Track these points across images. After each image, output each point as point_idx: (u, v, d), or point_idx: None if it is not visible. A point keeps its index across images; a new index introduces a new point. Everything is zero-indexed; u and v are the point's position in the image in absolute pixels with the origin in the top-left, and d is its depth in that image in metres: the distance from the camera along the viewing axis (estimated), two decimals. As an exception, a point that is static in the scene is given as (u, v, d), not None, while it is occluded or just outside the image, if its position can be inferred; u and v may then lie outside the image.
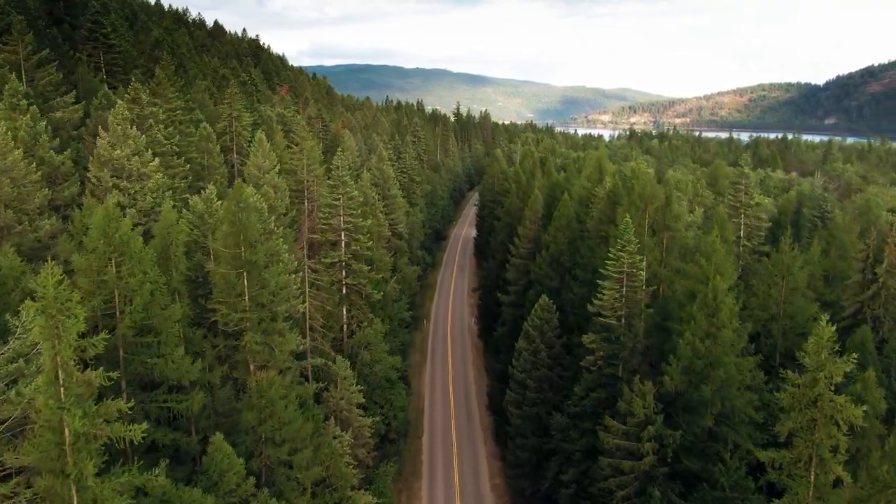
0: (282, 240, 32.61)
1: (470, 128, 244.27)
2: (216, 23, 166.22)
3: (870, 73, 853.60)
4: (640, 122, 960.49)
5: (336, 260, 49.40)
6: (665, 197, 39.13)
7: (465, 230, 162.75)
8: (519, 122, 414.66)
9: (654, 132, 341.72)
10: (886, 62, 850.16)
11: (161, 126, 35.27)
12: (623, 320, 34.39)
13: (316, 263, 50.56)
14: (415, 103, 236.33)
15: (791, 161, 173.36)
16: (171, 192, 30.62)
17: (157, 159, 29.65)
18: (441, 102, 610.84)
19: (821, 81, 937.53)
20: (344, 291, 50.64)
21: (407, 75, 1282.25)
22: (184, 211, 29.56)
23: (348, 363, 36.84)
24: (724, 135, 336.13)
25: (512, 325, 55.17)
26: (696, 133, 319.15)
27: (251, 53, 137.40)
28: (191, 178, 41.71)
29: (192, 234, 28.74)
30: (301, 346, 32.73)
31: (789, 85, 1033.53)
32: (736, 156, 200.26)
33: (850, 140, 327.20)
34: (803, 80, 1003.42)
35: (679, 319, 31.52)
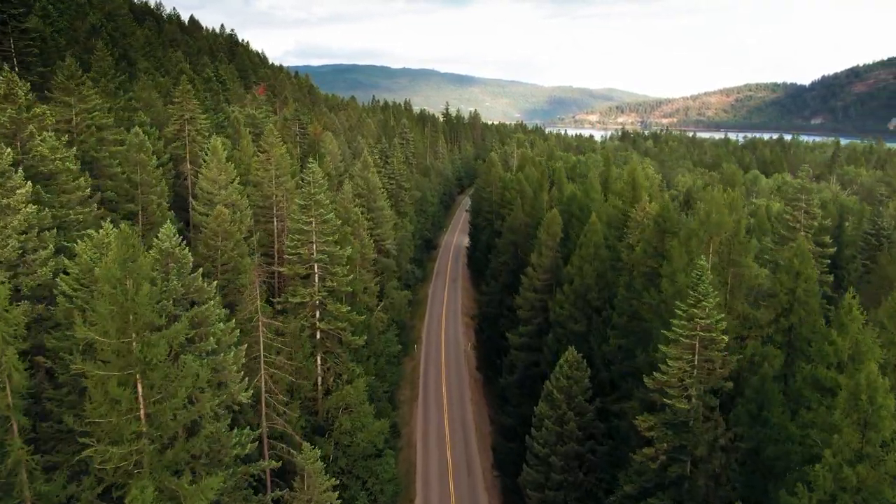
0: (213, 302, 22.68)
1: (460, 128, 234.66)
2: (192, 18, 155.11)
3: (855, 74, 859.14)
4: (628, 122, 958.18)
5: (307, 300, 39.48)
6: (736, 225, 29.75)
7: (456, 237, 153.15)
8: (508, 123, 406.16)
9: (645, 133, 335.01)
10: (871, 62, 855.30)
11: (54, 135, 25.47)
12: (696, 401, 24.89)
13: (282, 302, 40.64)
14: (402, 103, 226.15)
15: (793, 163, 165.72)
16: (54, 231, 20.84)
17: (28, 184, 19.93)
18: (428, 103, 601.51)
19: (806, 82, 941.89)
20: (318, 337, 40.77)
21: (394, 75, 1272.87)
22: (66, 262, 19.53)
23: (318, 454, 26.94)
24: (717, 135, 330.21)
25: (523, 372, 45.59)
26: (690, 133, 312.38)
27: (226, 50, 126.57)
28: (106, 204, 31.65)
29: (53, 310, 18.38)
30: (249, 447, 22.85)
31: (775, 85, 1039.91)
32: (739, 158, 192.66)
33: (844, 141, 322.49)
34: (789, 81, 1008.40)
35: (781, 406, 22.05)
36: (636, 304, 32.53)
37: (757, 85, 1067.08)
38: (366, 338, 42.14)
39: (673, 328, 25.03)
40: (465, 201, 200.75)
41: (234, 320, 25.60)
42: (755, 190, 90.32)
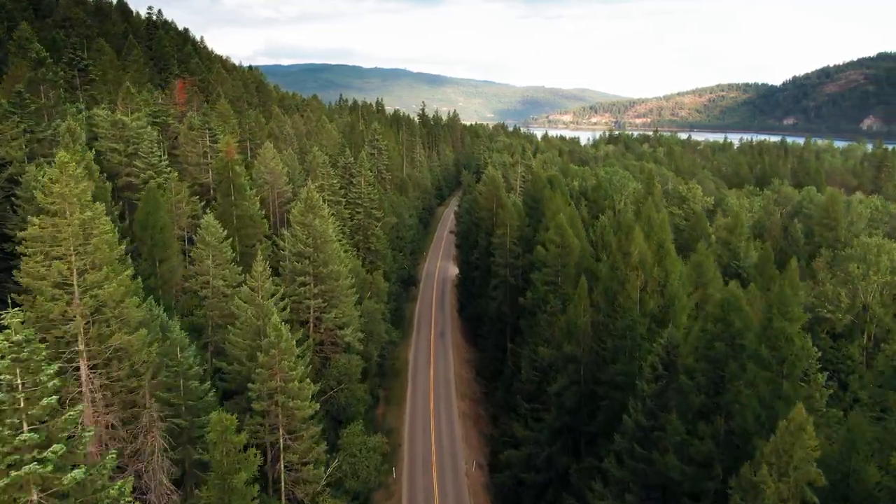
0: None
1: (438, 131, 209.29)
2: (120, 1, 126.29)
3: (826, 74, 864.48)
4: (601, 122, 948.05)
5: None
6: None
7: (439, 264, 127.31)
8: (482, 123, 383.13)
9: (634, 135, 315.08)
10: (841, 63, 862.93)
11: None
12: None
13: None
14: (373, 103, 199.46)
15: (829, 173, 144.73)
16: None
17: None
18: (401, 103, 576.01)
19: (778, 82, 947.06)
20: None
21: (366, 75, 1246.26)
22: None
23: None
24: (712, 136, 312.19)
25: None
26: (686, 135, 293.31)
27: (143, 34, 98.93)
28: None
29: None
30: None
31: (747, 86, 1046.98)
32: (752, 164, 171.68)
33: (839, 144, 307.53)
34: (760, 81, 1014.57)
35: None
36: None
37: (729, 85, 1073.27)
38: None
39: None
40: (447, 214, 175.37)
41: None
42: (848, 219, 68.56)
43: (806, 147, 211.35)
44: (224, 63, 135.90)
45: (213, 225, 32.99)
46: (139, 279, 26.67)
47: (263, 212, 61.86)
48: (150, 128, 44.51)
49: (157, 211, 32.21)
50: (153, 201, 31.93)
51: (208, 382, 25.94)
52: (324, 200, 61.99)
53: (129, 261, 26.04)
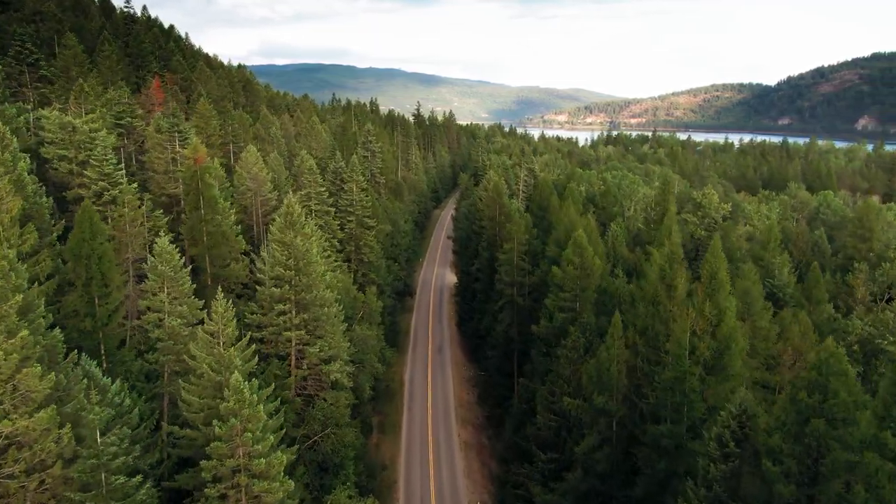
0: None
1: (433, 131, 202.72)
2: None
3: (820, 74, 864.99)
4: (597, 122, 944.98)
5: None
6: None
7: (436, 271, 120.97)
8: (477, 123, 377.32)
9: (633, 136, 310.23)
10: (836, 63, 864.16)
11: None
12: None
13: None
14: (367, 103, 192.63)
15: (840, 175, 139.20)
16: None
17: None
18: (395, 103, 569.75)
19: (772, 82, 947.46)
20: None
21: (360, 75, 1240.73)
22: None
23: None
24: (709, 137, 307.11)
25: None
26: (685, 136, 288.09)
27: (120, 28, 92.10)
28: None
29: None
30: None
31: (741, 86, 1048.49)
32: (757, 167, 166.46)
33: (839, 144, 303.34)
34: (755, 81, 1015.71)
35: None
36: None
37: (724, 85, 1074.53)
38: None
39: None
40: (444, 218, 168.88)
41: None
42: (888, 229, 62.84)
43: (811, 148, 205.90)
44: (210, 60, 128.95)
45: (168, 250, 26.65)
46: (57, 330, 20.42)
47: (240, 227, 55.32)
48: (105, 131, 37.91)
49: (96, 236, 25.87)
50: (88, 224, 25.57)
51: (139, 476, 19.61)
52: (310, 211, 55.56)
53: (42, 308, 19.62)
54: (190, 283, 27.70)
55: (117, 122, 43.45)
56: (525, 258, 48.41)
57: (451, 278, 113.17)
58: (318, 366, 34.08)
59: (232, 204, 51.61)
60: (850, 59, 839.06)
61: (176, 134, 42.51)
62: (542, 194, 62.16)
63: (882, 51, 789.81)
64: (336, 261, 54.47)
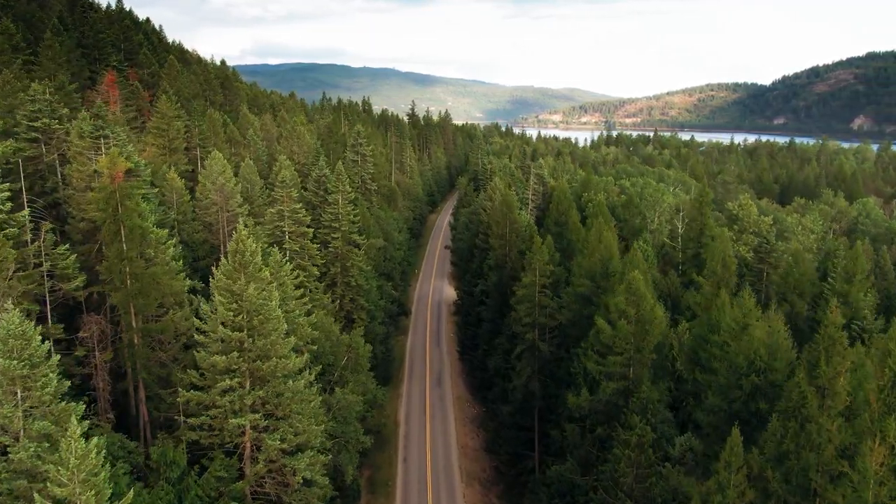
0: None
1: (429, 132, 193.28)
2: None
3: (815, 74, 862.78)
4: (591, 122, 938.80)
5: None
6: None
7: (433, 283, 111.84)
8: (472, 123, 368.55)
9: (633, 135, 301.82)
10: (831, 63, 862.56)
11: None
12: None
13: None
14: (360, 102, 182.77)
15: (848, 178, 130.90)
16: None
17: None
18: (389, 102, 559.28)
19: (767, 82, 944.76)
20: None
21: (354, 74, 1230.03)
22: None
23: None
24: (706, 136, 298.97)
25: None
26: (686, 136, 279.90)
27: (68, 14, 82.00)
28: None
29: None
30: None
31: (736, 85, 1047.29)
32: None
33: (844, 144, 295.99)
34: (750, 81, 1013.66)
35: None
36: None
37: (718, 85, 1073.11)
38: None
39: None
40: (441, 223, 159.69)
41: None
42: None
43: (822, 149, 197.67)
44: (186, 56, 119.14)
45: (15, 322, 16.99)
46: None
47: (201, 250, 45.59)
48: None
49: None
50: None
51: None
52: (283, 233, 46.07)
53: None
54: (55, 378, 17.92)
55: (31, 124, 34.06)
56: (547, 291, 39.20)
57: (450, 292, 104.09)
58: (280, 460, 24.71)
59: (175, 230, 41.70)
60: (845, 59, 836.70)
61: (101, 140, 32.69)
62: (560, 208, 52.90)
63: (877, 50, 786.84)
64: (316, 291, 44.95)
